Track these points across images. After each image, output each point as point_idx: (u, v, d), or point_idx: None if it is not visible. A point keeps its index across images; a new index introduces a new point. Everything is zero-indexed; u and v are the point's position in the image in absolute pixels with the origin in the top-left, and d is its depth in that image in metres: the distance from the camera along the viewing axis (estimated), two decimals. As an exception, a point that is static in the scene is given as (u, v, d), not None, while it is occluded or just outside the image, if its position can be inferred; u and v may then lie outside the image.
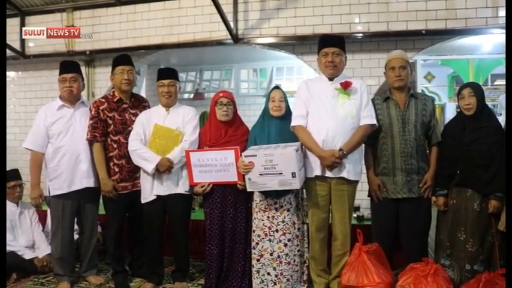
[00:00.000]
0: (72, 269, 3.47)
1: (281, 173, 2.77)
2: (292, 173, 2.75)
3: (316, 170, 2.92)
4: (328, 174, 2.91)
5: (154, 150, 3.15)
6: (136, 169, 3.24)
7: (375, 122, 2.95)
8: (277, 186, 2.82)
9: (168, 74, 3.29)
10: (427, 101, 3.07)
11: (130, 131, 3.24)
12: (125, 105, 3.33)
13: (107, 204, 3.35)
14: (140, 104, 3.44)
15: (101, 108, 3.27)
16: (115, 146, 3.25)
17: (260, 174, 2.83)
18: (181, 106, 3.35)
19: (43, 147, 3.27)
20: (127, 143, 3.21)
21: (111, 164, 3.26)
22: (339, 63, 2.98)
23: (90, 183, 3.30)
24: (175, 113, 3.26)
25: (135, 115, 3.31)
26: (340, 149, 2.82)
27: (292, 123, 3.00)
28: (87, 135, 3.24)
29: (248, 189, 2.94)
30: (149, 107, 3.46)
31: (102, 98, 3.38)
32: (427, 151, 3.09)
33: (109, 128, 3.25)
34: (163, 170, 3.11)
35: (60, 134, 3.25)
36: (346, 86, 2.90)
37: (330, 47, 2.96)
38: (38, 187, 3.31)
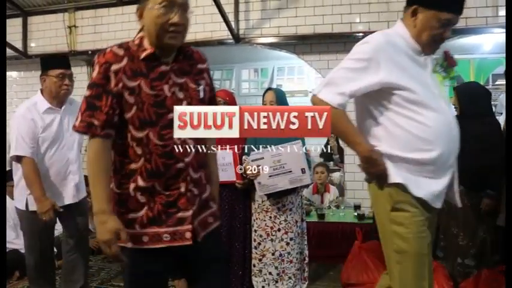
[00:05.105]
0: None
1: (291, 171, 2.77)
2: (302, 169, 2.76)
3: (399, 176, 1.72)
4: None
5: None
6: None
7: None
8: (288, 185, 2.80)
9: None
10: None
11: None
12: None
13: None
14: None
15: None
16: None
17: (270, 176, 2.80)
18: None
19: (34, 153, 2.61)
20: None
21: None
22: None
23: (80, 196, 2.83)
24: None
25: None
26: None
27: (322, 95, 1.70)
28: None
29: (259, 193, 2.89)
30: None
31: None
32: None
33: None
34: None
35: (50, 143, 2.70)
36: (451, 62, 1.86)
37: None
38: (46, 198, 2.58)
